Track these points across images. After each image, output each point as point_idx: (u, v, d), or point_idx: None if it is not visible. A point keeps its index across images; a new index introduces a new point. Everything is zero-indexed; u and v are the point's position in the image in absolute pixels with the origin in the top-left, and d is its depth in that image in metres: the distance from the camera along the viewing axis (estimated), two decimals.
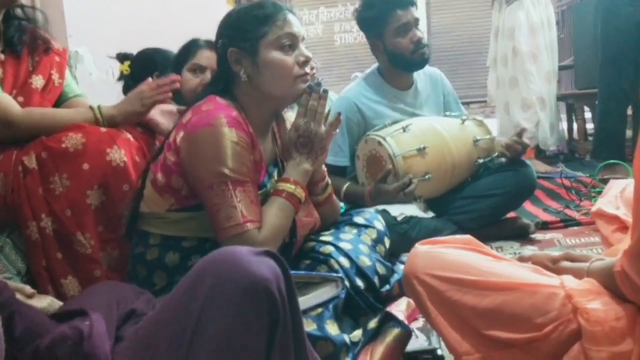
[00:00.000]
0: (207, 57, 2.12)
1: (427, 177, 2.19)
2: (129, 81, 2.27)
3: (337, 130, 1.57)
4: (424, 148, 2.19)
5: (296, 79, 1.48)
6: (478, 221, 2.32)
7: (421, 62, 2.41)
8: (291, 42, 1.49)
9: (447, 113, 2.48)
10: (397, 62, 2.41)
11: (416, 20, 2.39)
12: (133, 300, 1.18)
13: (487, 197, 2.31)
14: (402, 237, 1.99)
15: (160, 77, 1.87)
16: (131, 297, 1.20)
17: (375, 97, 2.43)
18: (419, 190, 2.18)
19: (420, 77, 2.53)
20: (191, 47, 2.15)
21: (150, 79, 1.80)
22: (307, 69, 1.50)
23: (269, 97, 1.51)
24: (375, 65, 2.52)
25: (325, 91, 1.50)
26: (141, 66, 2.29)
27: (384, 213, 2.02)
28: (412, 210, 2.14)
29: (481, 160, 2.32)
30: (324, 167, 1.65)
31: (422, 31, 2.42)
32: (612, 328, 0.95)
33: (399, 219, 2.06)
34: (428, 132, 2.26)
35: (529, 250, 2.24)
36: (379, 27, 2.39)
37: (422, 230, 2.09)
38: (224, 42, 1.50)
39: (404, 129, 2.22)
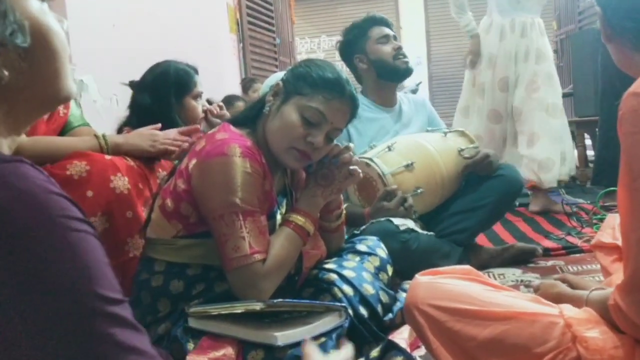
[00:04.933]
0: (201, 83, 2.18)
1: (418, 191, 2.20)
2: None
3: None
4: (412, 164, 2.22)
5: (291, 148, 1.46)
6: (474, 235, 2.38)
7: (405, 70, 2.52)
8: (317, 122, 1.45)
9: (428, 129, 2.53)
10: (382, 70, 2.50)
11: (395, 37, 2.56)
12: None
13: (478, 208, 2.31)
14: (403, 247, 2.01)
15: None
16: None
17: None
18: (414, 204, 2.20)
19: (405, 100, 2.63)
20: (192, 76, 2.15)
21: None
22: (310, 150, 1.46)
23: (268, 145, 1.49)
24: (359, 88, 2.57)
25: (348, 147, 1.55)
26: None
27: (388, 222, 2.05)
28: (412, 225, 2.15)
29: (467, 158, 2.31)
30: (341, 196, 1.67)
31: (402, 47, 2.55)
32: (610, 356, 0.95)
33: (401, 228, 2.07)
34: (413, 147, 2.29)
35: (530, 277, 2.24)
36: (362, 41, 2.54)
37: (421, 244, 2.10)
38: (285, 75, 1.52)
39: (389, 148, 2.27)
